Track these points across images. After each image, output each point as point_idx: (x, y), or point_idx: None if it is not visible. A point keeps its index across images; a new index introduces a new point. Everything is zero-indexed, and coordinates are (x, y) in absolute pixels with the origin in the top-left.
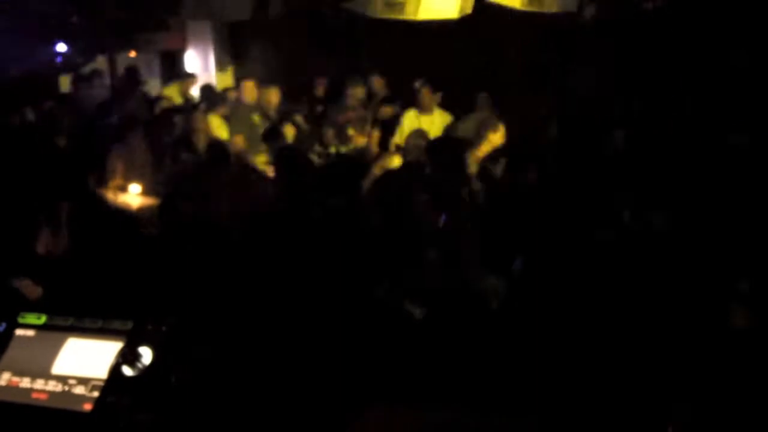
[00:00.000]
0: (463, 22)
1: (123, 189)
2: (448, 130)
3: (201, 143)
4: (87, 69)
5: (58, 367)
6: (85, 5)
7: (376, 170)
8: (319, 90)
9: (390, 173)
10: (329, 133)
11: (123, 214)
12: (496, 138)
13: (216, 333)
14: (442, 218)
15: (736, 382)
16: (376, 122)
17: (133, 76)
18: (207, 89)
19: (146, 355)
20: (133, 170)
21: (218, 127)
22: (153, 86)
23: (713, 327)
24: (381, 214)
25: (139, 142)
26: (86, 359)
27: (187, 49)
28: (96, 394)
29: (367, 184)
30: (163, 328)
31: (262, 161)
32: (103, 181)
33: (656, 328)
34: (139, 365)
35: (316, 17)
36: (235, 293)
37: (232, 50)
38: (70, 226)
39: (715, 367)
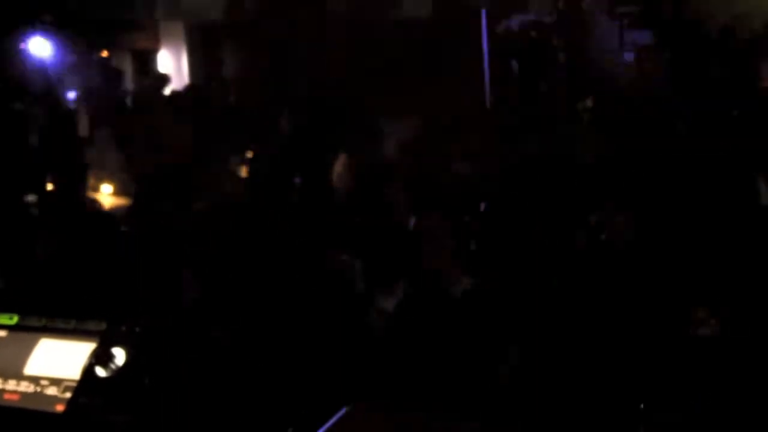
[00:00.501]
0: None
1: (94, 188)
2: None
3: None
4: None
5: (31, 368)
6: (58, 3)
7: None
8: None
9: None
10: None
11: (94, 213)
12: None
13: (193, 331)
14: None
15: (707, 387)
16: None
17: (113, 74)
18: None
19: (120, 356)
20: (104, 169)
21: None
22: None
23: (680, 332)
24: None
25: (110, 141)
26: (59, 360)
27: (160, 49)
28: (69, 395)
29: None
30: (137, 329)
31: None
32: (74, 179)
33: (627, 331)
34: (113, 366)
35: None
36: (211, 291)
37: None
38: (38, 223)
39: (685, 372)
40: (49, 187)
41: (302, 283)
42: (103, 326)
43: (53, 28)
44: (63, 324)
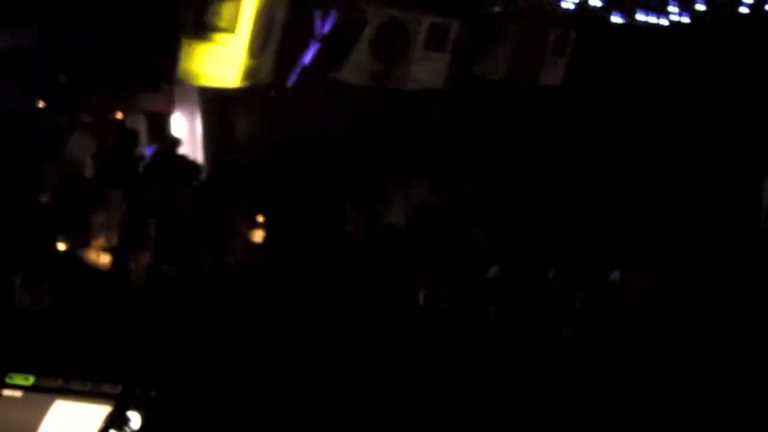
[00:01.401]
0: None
1: (104, 248)
2: None
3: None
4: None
5: (45, 430)
6: (74, 63)
7: None
8: None
9: None
10: None
11: (104, 273)
12: None
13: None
14: None
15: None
16: None
17: (130, 137)
18: None
19: (135, 420)
20: (114, 229)
21: None
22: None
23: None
24: None
25: (120, 201)
26: (73, 423)
27: (173, 111)
28: None
29: None
30: (153, 393)
31: None
32: (84, 239)
33: None
34: (128, 430)
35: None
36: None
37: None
38: (48, 283)
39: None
40: (62, 247)
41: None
42: (119, 389)
43: (67, 89)
44: (78, 386)
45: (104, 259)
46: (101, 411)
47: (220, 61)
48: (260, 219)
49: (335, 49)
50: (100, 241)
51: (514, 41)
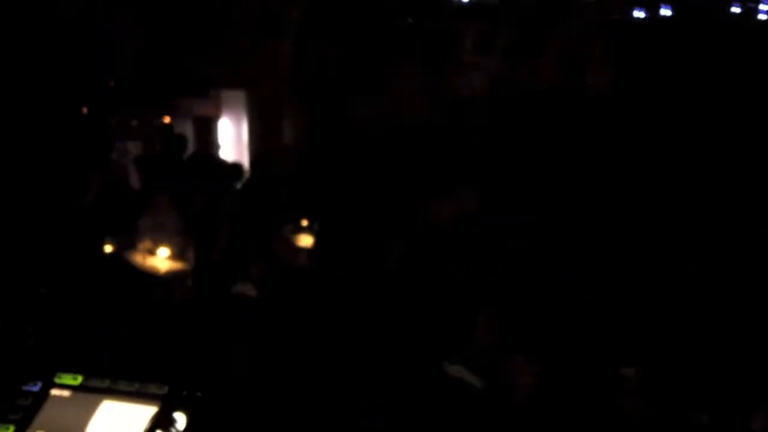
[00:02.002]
0: None
1: (151, 252)
2: None
3: None
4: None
5: (92, 430)
6: (122, 68)
7: None
8: None
9: None
10: None
11: (152, 277)
12: None
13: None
14: None
15: None
16: None
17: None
18: None
19: (180, 421)
20: (162, 233)
21: None
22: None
23: None
24: None
25: (167, 205)
26: (120, 423)
27: (221, 116)
28: None
29: None
30: (198, 394)
31: None
32: (130, 243)
33: None
34: (174, 431)
35: None
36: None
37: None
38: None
39: None
40: (109, 250)
41: None
42: (165, 390)
43: (115, 94)
44: (126, 386)
45: (151, 262)
46: (148, 411)
47: (268, 66)
48: (306, 223)
49: None
50: (147, 245)
51: (560, 47)
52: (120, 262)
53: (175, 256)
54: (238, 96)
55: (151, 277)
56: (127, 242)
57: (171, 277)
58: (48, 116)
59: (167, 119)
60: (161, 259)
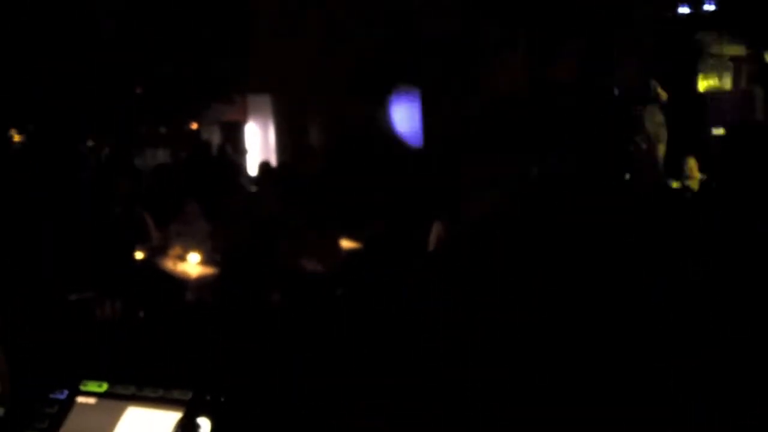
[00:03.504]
0: None
1: (181, 258)
2: None
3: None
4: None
5: None
6: (150, 74)
7: None
8: None
9: None
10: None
11: (181, 282)
12: None
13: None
14: None
15: None
16: None
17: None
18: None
19: (205, 426)
20: (192, 239)
21: None
22: None
23: None
24: None
25: (196, 211)
26: (145, 429)
27: (247, 121)
28: None
29: None
30: (222, 399)
31: None
32: (160, 249)
33: None
34: None
35: None
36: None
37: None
38: (125, 293)
39: None
40: (138, 256)
41: None
42: (189, 395)
43: (143, 100)
44: (150, 392)
45: (181, 267)
46: (172, 417)
47: (294, 71)
48: (333, 227)
49: None
50: (177, 250)
51: (586, 43)
52: (147, 269)
53: (202, 262)
54: (264, 100)
55: (178, 282)
56: (155, 248)
57: (197, 282)
58: (77, 125)
59: (195, 125)
60: (190, 265)
